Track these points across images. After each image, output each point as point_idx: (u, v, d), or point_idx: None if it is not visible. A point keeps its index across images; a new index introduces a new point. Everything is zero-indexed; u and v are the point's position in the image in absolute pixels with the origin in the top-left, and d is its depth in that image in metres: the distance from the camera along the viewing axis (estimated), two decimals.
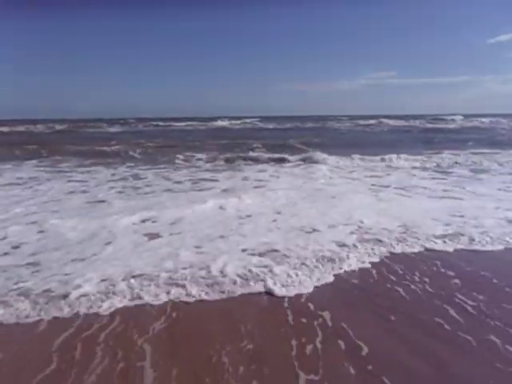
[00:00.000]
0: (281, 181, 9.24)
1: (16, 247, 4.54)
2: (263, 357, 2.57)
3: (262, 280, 3.62)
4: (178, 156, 13.79)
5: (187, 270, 3.82)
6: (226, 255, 4.20)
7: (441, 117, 55.56)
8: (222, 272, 3.78)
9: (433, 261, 4.15)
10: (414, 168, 11.35)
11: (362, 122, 45.01)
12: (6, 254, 4.36)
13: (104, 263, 4.02)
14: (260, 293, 3.44)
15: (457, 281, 3.68)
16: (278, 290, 3.44)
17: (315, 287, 3.53)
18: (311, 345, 2.68)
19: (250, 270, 3.81)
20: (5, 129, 32.80)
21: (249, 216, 5.87)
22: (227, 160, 13.27)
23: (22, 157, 13.76)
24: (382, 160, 12.57)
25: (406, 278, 3.74)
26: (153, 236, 4.94)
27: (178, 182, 9.04)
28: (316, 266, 3.93)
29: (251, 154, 14.77)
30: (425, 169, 11.24)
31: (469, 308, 3.16)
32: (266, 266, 3.91)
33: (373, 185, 8.56)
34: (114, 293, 3.37)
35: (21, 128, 35.51)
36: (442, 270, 3.92)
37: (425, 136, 24.97)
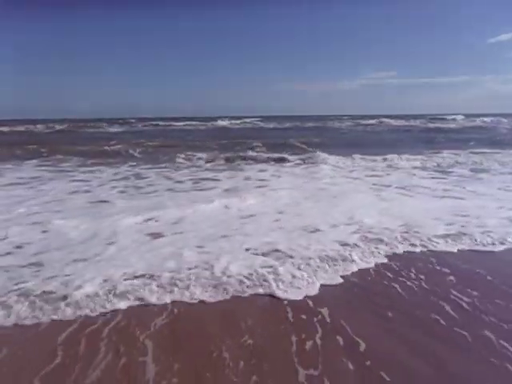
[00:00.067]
0: (282, 180, 9.25)
1: (19, 247, 4.54)
2: (263, 353, 2.59)
3: (266, 280, 3.62)
4: (179, 155, 13.79)
5: (190, 270, 3.82)
6: (230, 255, 4.20)
7: (442, 116, 55.55)
8: (225, 272, 3.78)
9: (435, 261, 4.15)
10: (415, 168, 11.35)
11: (362, 121, 44.99)
12: (8, 253, 4.36)
13: (107, 263, 4.02)
14: (263, 293, 3.43)
15: (457, 281, 3.67)
16: (282, 291, 3.43)
17: (319, 287, 3.53)
18: (311, 341, 2.69)
19: (253, 270, 3.81)
20: (5, 129, 32.79)
21: (252, 215, 5.87)
22: (228, 159, 13.27)
23: (23, 157, 13.75)
24: (384, 160, 12.57)
25: (408, 278, 3.74)
26: (156, 236, 4.95)
27: (180, 182, 9.05)
28: (319, 266, 3.94)
29: (252, 153, 14.78)
30: (426, 168, 11.25)
31: (467, 307, 3.17)
32: (269, 267, 3.91)
33: (374, 184, 8.57)
34: (116, 293, 3.37)
35: (21, 128, 35.50)
36: (444, 270, 3.92)
37: (426, 136, 24.99)
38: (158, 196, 7.44)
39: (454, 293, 3.42)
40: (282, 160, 12.95)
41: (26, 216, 5.90)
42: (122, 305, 3.22)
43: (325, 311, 3.12)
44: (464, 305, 3.21)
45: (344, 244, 4.55)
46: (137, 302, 3.27)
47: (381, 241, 4.68)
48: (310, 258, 4.10)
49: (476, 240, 4.69)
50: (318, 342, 2.72)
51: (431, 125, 38.38)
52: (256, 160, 13.11)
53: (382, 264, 4.08)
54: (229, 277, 3.69)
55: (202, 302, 3.30)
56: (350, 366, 2.45)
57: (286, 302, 3.26)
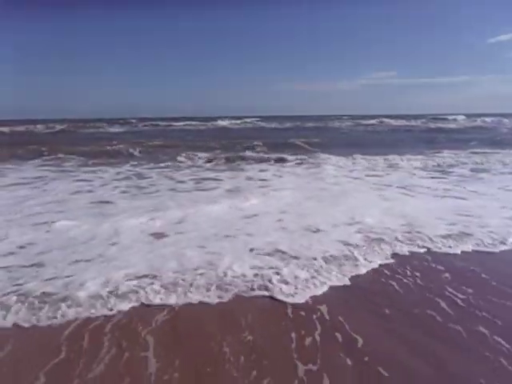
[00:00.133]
0: (284, 180, 9.26)
1: (21, 247, 4.56)
2: (264, 350, 2.62)
3: (269, 281, 3.63)
4: (180, 155, 13.80)
5: (193, 271, 3.82)
6: (233, 255, 4.21)
7: (443, 116, 55.48)
8: (228, 272, 3.79)
9: (437, 261, 4.16)
10: (416, 168, 11.37)
11: (362, 121, 44.97)
12: (11, 253, 4.37)
13: (109, 264, 4.03)
14: (267, 294, 3.43)
15: (457, 280, 3.68)
16: (285, 293, 3.42)
17: (322, 288, 3.53)
18: (311, 338, 2.70)
19: (257, 270, 3.83)
20: (5, 129, 32.75)
21: (255, 215, 5.89)
22: (229, 159, 13.27)
23: (24, 157, 13.74)
24: (385, 160, 12.57)
25: (409, 278, 3.75)
26: (158, 236, 4.96)
27: (182, 182, 9.06)
28: (322, 266, 3.95)
29: (253, 153, 14.79)
30: (427, 168, 11.26)
31: (467, 306, 3.18)
32: (273, 267, 3.92)
33: (375, 184, 8.59)
34: (118, 294, 3.37)
35: (21, 128, 35.44)
36: (443, 270, 3.93)
37: (427, 136, 24.97)
38: (160, 196, 7.45)
39: (455, 293, 3.43)
40: (283, 160, 12.95)
41: (28, 216, 5.90)
42: (124, 305, 3.21)
43: (325, 311, 3.13)
44: (464, 304, 3.22)
45: (347, 244, 4.57)
46: (139, 303, 3.26)
47: (383, 241, 4.69)
48: (312, 259, 4.11)
49: (479, 240, 4.68)
50: (318, 339, 2.74)
51: (432, 125, 38.34)
52: (257, 160, 13.12)
53: (386, 264, 4.08)
54: (232, 277, 3.70)
55: (204, 301, 3.30)
56: (350, 367, 2.46)
57: (288, 303, 3.26)
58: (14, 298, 3.27)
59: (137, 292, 3.41)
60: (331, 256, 4.21)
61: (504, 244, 4.59)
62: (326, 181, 9.14)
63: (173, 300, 3.31)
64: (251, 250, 4.42)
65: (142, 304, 3.26)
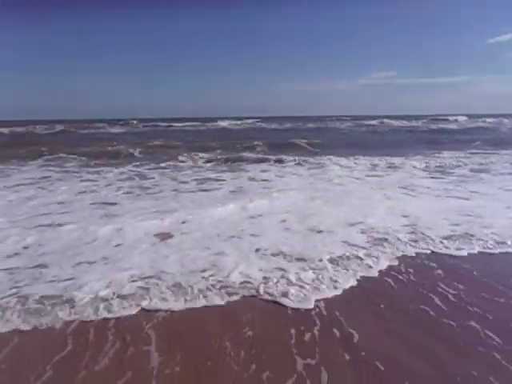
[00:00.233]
0: (287, 181, 9.26)
1: (25, 247, 4.56)
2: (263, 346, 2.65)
3: (272, 281, 3.63)
4: (181, 156, 13.81)
5: (197, 272, 3.83)
6: (238, 257, 4.21)
7: (444, 117, 55.43)
8: (232, 274, 3.79)
9: (440, 262, 4.15)
10: (417, 168, 11.37)
11: (364, 122, 44.96)
12: (16, 254, 4.37)
13: (114, 265, 4.02)
14: (272, 296, 3.41)
15: (458, 281, 3.67)
16: (291, 295, 3.40)
17: (328, 290, 3.52)
18: (311, 335, 2.71)
19: (262, 271, 3.83)
20: (5, 130, 32.73)
21: (260, 216, 5.89)
22: (230, 160, 13.27)
23: (26, 157, 13.75)
24: (386, 160, 12.58)
25: (410, 279, 3.75)
26: (163, 237, 4.95)
27: (184, 182, 9.07)
28: (327, 268, 3.94)
29: (254, 153, 14.80)
30: (428, 169, 11.26)
31: (468, 307, 3.18)
32: (278, 269, 3.91)
33: (377, 185, 8.59)
34: (122, 295, 3.37)
35: (21, 129, 35.44)
36: (443, 270, 3.93)
37: (428, 136, 24.98)
38: (164, 197, 7.45)
39: (455, 293, 3.43)
40: (283, 160, 12.95)
41: (33, 217, 5.90)
42: (128, 307, 3.19)
43: (328, 312, 3.12)
44: (465, 305, 3.22)
45: (351, 245, 4.57)
46: (143, 305, 3.23)
47: (387, 241, 4.70)
48: (319, 260, 4.11)
49: (483, 242, 4.66)
50: (318, 339, 2.75)
51: (433, 125, 38.33)
52: (258, 160, 13.13)
53: (389, 265, 4.07)
54: (237, 279, 3.69)
55: (207, 302, 3.29)
56: (351, 368, 2.46)
57: (292, 305, 3.24)
58: (16, 299, 3.27)
59: (141, 294, 3.40)
60: (336, 257, 4.21)
61: (508, 245, 4.57)
62: (329, 181, 9.14)
63: (177, 302, 3.29)
64: (257, 250, 4.42)
65: (146, 306, 3.23)
